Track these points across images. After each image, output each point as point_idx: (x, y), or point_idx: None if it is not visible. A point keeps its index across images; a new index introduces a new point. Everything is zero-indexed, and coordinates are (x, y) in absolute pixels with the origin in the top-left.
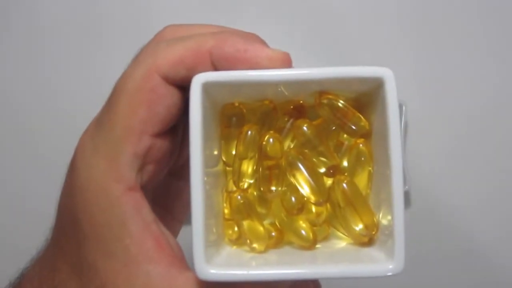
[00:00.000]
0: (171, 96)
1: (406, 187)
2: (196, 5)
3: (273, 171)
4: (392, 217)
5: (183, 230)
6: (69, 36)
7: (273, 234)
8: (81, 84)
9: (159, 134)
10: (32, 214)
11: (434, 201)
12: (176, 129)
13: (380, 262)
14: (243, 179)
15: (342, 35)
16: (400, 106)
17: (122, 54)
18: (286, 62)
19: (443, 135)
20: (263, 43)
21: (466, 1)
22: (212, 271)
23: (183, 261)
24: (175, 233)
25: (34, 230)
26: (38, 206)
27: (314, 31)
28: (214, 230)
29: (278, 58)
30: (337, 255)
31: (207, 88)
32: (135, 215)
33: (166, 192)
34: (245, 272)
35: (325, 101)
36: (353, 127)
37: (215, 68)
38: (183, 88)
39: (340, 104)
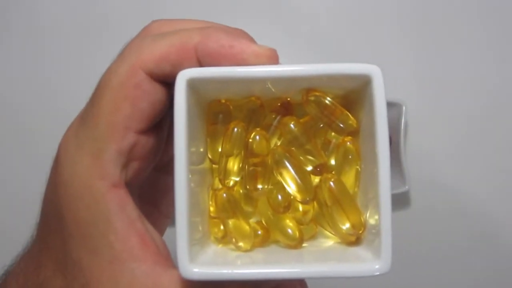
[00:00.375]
0: (156, 92)
1: (406, 187)
2: (196, 5)
3: (259, 168)
4: (379, 216)
5: (169, 228)
6: (69, 36)
7: (259, 232)
8: (81, 84)
9: (144, 131)
10: (19, 211)
11: (434, 201)
12: (161, 125)
13: (366, 262)
14: (229, 177)
15: (342, 35)
16: (400, 106)
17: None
18: (273, 58)
19: (443, 135)
20: (249, 39)
21: (466, 1)
22: (196, 270)
23: (168, 259)
24: (163, 229)
25: (21, 227)
26: (27, 204)
27: (314, 31)
28: (200, 228)
29: (264, 54)
30: (324, 254)
31: (193, 84)
32: (119, 212)
33: (152, 188)
34: (229, 271)
35: (312, 98)
36: (341, 125)
37: (201, 64)
38: (168, 84)
39: (327, 102)
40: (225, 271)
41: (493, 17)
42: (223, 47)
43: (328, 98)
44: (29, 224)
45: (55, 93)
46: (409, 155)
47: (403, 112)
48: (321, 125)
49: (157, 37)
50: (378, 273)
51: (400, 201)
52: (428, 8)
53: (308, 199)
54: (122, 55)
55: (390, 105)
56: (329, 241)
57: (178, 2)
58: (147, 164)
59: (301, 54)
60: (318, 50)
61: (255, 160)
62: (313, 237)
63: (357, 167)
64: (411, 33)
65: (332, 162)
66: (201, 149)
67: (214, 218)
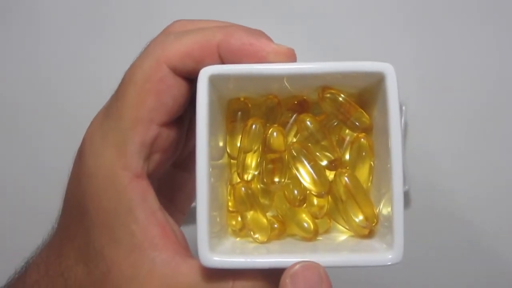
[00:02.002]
0: (179, 87)
1: (406, 187)
2: (197, 5)
3: (276, 163)
4: (392, 209)
5: (187, 222)
6: (69, 36)
7: (276, 226)
8: (81, 84)
9: (166, 124)
10: (34, 208)
11: (434, 201)
12: (183, 120)
13: (379, 252)
14: (248, 171)
15: (342, 35)
16: (400, 106)
17: (122, 54)
18: (291, 56)
19: (443, 135)
20: (268, 38)
21: (467, 1)
22: (215, 258)
23: (187, 249)
24: (178, 224)
25: (37, 224)
26: (39, 200)
27: (315, 31)
28: (218, 220)
29: (283, 52)
30: (338, 246)
31: (214, 81)
32: (141, 202)
33: (170, 183)
34: (246, 259)
35: (328, 95)
36: (356, 122)
37: (222, 61)
38: (191, 80)
39: (342, 99)
40: (242, 259)
41: (494, 17)
42: (244, 45)
43: (343, 96)
44: (46, 221)
45: (55, 93)
46: (409, 155)
47: (403, 112)
48: (336, 123)
49: (180, 34)
50: (390, 263)
51: None
52: (428, 8)
53: (323, 192)
54: (146, 51)
55: None
56: (342, 235)
57: (178, 2)
58: (167, 157)
59: (299, 54)
60: (317, 50)
61: (273, 155)
62: (327, 231)
63: (371, 162)
64: (411, 33)
65: (347, 157)
66: (221, 145)
67: (232, 212)
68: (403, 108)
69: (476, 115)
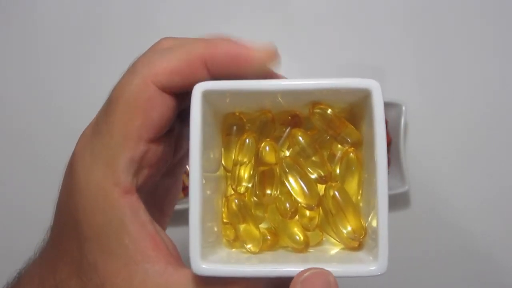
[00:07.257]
0: (166, 103)
1: (406, 187)
2: (193, 12)
3: (267, 176)
4: (377, 222)
5: (182, 231)
6: (68, 40)
7: (269, 237)
8: (80, 88)
9: (154, 140)
10: (29, 215)
11: (434, 201)
12: (170, 134)
13: (365, 263)
14: (241, 184)
15: (342, 35)
16: (400, 106)
17: (120, 59)
18: (271, 48)
19: (443, 135)
20: (248, 42)
21: (467, 1)
22: (206, 266)
23: (179, 259)
24: (164, 227)
25: (32, 231)
26: (35, 207)
27: (315, 31)
28: (214, 231)
29: (263, 46)
30: (328, 258)
31: (208, 96)
32: (132, 216)
33: (154, 189)
34: (237, 268)
35: (317, 110)
36: (345, 138)
37: (210, 73)
38: (178, 95)
39: (332, 115)
40: (233, 268)
41: (494, 17)
42: (227, 51)
43: (330, 110)
44: (40, 229)
45: (54, 96)
46: (409, 155)
47: (403, 112)
48: (328, 137)
49: (166, 52)
50: (374, 274)
51: (400, 201)
52: (428, 8)
53: (313, 205)
54: (133, 68)
55: (390, 105)
56: (334, 248)
57: (176, 8)
58: (156, 171)
59: (301, 54)
60: (318, 50)
61: (264, 168)
62: (319, 243)
63: (360, 176)
64: (412, 33)
65: (338, 171)
66: (217, 157)
67: (226, 223)
68: (403, 108)
69: (476, 115)
